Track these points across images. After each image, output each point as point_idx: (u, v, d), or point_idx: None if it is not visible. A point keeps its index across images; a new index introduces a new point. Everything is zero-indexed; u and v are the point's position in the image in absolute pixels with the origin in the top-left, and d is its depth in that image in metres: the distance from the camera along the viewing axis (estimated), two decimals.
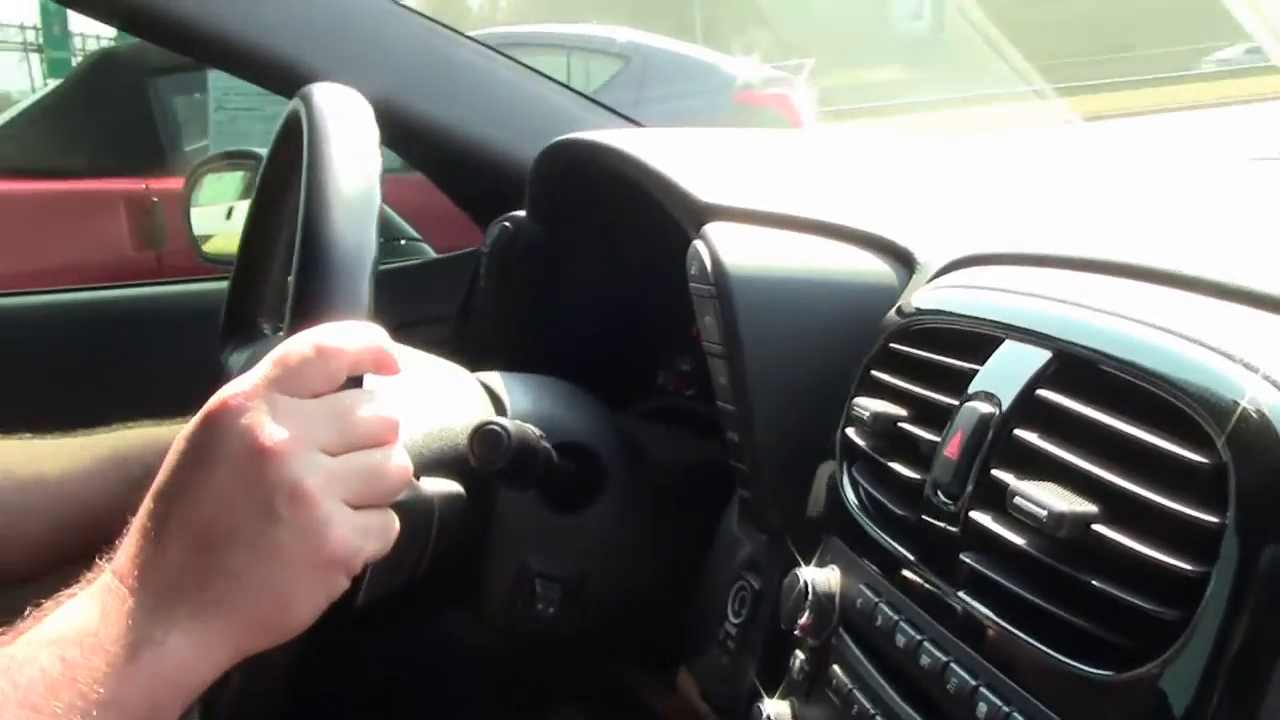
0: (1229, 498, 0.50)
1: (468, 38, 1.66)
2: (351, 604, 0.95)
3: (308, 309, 0.79)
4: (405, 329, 1.52)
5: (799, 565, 0.81)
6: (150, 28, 1.52)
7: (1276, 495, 0.49)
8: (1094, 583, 0.55)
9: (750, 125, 6.28)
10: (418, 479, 0.97)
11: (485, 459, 0.95)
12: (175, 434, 1.13)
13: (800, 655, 0.81)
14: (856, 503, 0.80)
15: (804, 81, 7.16)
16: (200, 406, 0.75)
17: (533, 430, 0.99)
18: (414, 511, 0.96)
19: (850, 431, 0.82)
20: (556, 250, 1.42)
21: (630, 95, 6.35)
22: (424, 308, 1.69)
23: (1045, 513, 0.57)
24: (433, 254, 1.97)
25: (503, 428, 0.95)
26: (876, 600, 0.72)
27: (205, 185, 2.08)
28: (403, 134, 1.58)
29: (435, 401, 1.08)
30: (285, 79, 1.49)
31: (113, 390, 1.44)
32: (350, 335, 0.75)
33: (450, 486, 1.00)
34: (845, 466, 0.83)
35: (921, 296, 0.83)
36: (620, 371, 1.39)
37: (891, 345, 0.82)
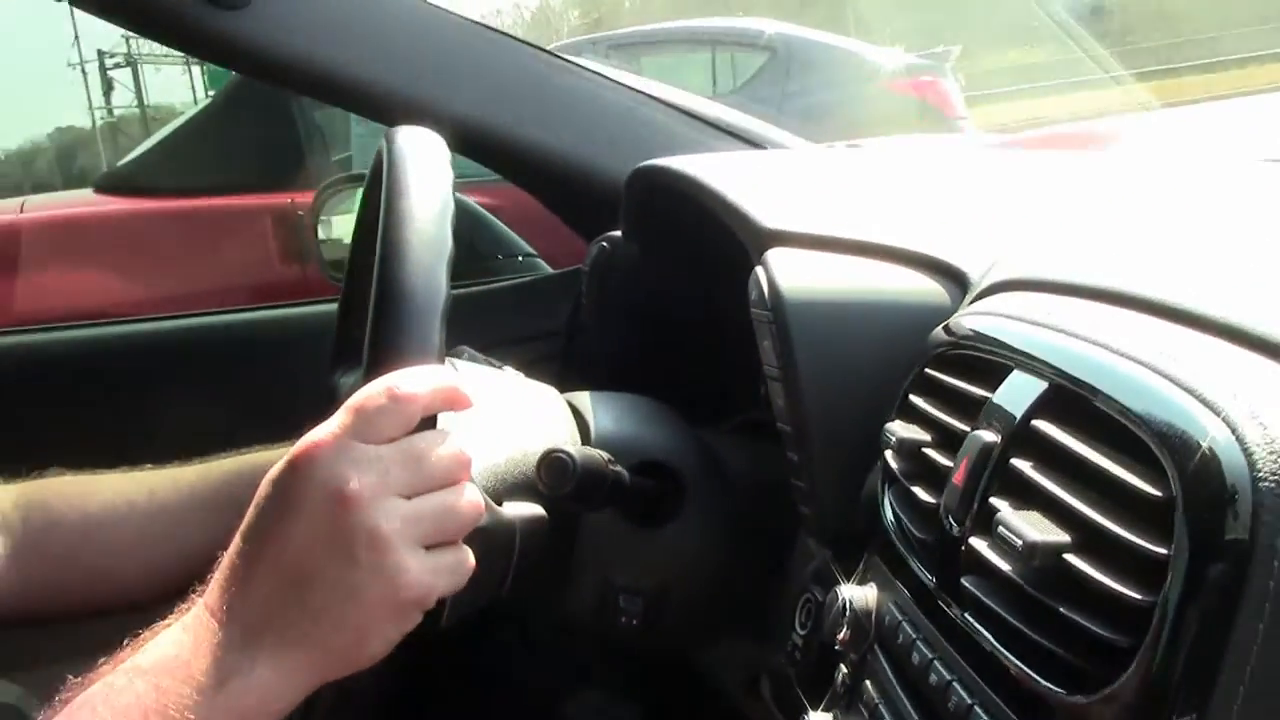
0: (1174, 530, 0.54)
1: (569, 61, 1.72)
2: (436, 625, 1.02)
3: (382, 355, 0.86)
4: (514, 345, 1.61)
5: (840, 582, 0.86)
6: (260, 67, 1.61)
7: (1219, 529, 0.52)
8: (1059, 608, 0.58)
9: (899, 114, 6.26)
10: (499, 503, 1.03)
11: (552, 485, 1.01)
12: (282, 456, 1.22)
13: (843, 669, 0.85)
14: (893, 523, 0.84)
15: (951, 68, 7.10)
16: (306, 429, 0.83)
17: (600, 455, 1.04)
18: (495, 535, 1.02)
19: (888, 455, 0.86)
20: (651, 269, 1.47)
21: (776, 88, 6.38)
22: (534, 323, 1.76)
23: (1021, 542, 0.60)
24: (547, 269, 2.05)
25: (568, 455, 1.00)
26: (901, 619, 0.76)
27: (333, 203, 2.19)
28: (505, 156, 1.66)
29: (519, 426, 1.14)
30: (386, 109, 1.58)
31: (229, 414, 1.54)
32: (422, 380, 0.82)
33: (531, 509, 1.06)
34: (884, 487, 0.87)
35: (958, 321, 0.87)
36: (715, 386, 1.44)
37: (925, 370, 0.86)
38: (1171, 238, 0.87)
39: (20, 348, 1.71)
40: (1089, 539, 0.59)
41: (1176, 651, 0.52)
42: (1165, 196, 1.04)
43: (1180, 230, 0.89)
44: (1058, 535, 0.60)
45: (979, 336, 0.81)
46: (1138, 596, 0.54)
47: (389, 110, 1.60)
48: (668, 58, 8.20)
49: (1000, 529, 0.62)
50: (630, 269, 1.51)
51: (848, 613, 0.82)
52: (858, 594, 0.83)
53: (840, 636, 0.83)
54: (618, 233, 1.53)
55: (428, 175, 0.96)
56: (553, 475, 1.01)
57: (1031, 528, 0.61)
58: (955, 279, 0.99)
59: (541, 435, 1.13)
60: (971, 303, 0.90)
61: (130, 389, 1.63)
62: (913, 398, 0.86)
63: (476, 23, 1.65)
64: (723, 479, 1.19)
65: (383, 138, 1.03)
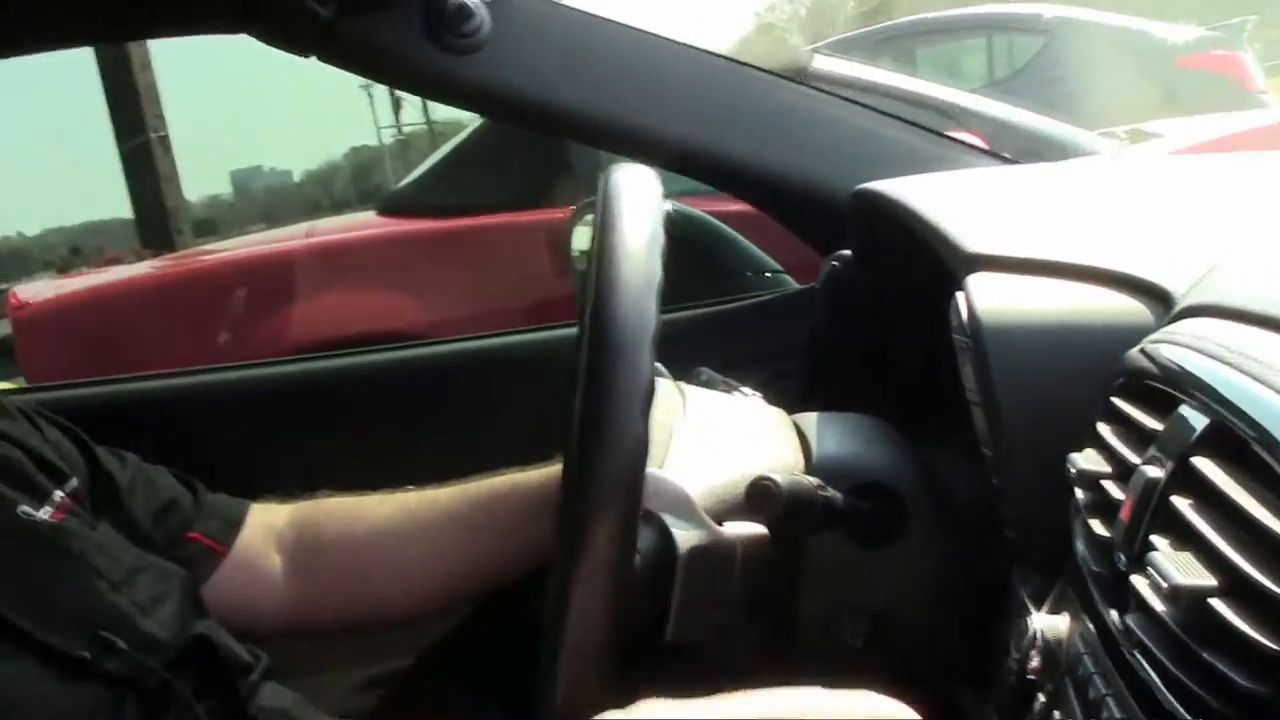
0: None
1: (793, 80, 1.75)
2: (658, 643, 1.07)
3: (592, 383, 0.92)
4: (756, 363, 1.65)
5: (1032, 611, 0.86)
6: (493, 107, 1.71)
7: None
8: (1203, 654, 0.59)
9: (1192, 90, 6.00)
10: (720, 524, 1.08)
11: (759, 512, 1.05)
12: (537, 478, 1.30)
13: (1040, 698, 0.86)
14: (1083, 553, 0.84)
15: (1246, 39, 6.77)
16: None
17: (809, 482, 1.07)
18: (716, 555, 1.07)
19: (1075, 486, 0.87)
20: (877, 287, 1.49)
21: (1056, 72, 6.22)
22: (776, 340, 1.79)
23: (1166, 584, 0.61)
24: (793, 285, 2.07)
25: (774, 483, 1.04)
26: (1083, 652, 0.77)
27: (587, 221, 2.26)
28: (735, 178, 1.70)
29: (743, 449, 1.19)
30: (614, 140, 1.65)
31: (484, 436, 1.63)
32: None
33: (752, 529, 1.11)
34: (1075, 517, 0.87)
35: (1144, 347, 0.86)
36: (942, 404, 1.45)
37: (1111, 398, 0.86)
38: None
39: (297, 375, 1.85)
40: (1236, 584, 0.59)
41: None
42: None
43: None
44: (1204, 579, 0.60)
45: (1157, 364, 0.80)
46: (1270, 644, 0.55)
47: (617, 140, 1.66)
48: (942, 46, 8.09)
49: (1149, 569, 0.63)
50: (860, 287, 1.53)
51: (1039, 642, 0.83)
52: (1049, 624, 0.84)
53: (1033, 666, 0.84)
54: (848, 251, 1.55)
55: (637, 210, 1.02)
56: (759, 502, 1.04)
57: (1178, 570, 0.61)
58: (1159, 297, 0.98)
59: (764, 458, 1.17)
60: (1167, 324, 0.89)
61: (392, 413, 1.75)
62: (1099, 425, 0.86)
63: (699, 49, 1.70)
64: (946, 500, 1.20)
65: (601, 175, 1.09)
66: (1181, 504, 0.66)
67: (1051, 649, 0.83)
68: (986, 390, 0.98)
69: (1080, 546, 0.84)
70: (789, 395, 1.39)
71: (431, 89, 1.77)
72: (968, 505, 1.21)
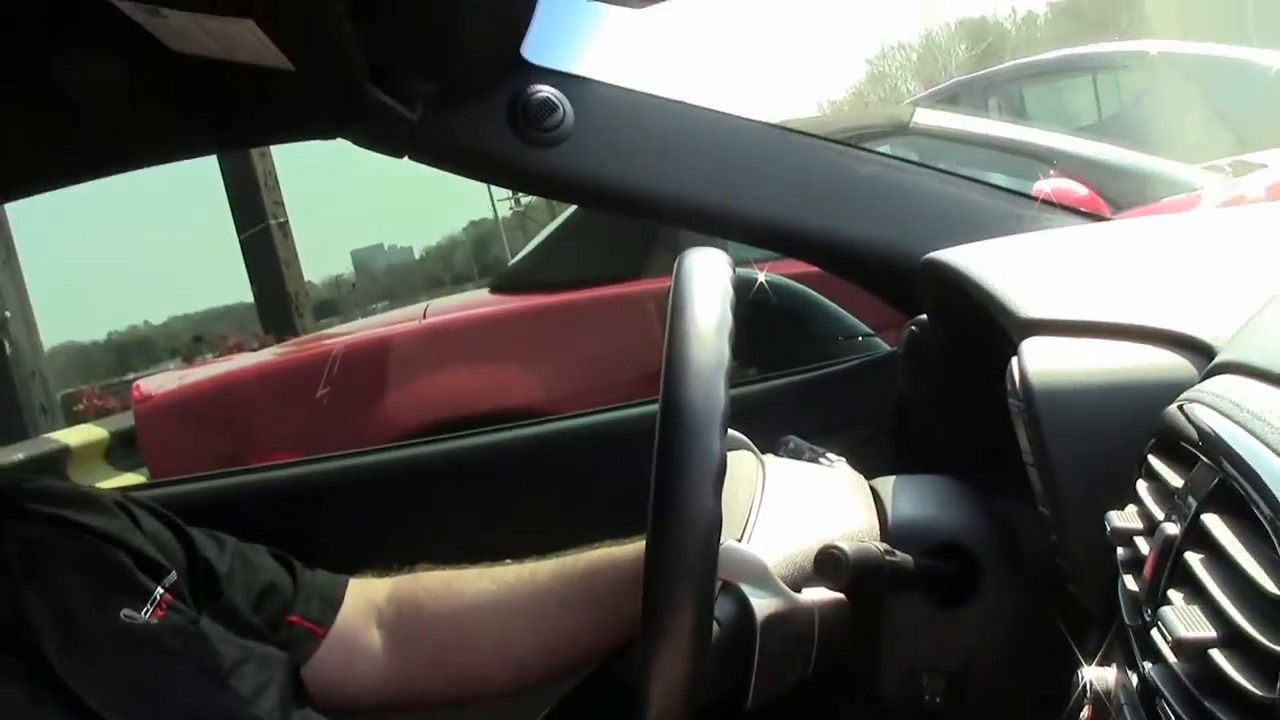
0: None
1: (865, 149, 1.81)
2: (740, 707, 1.12)
3: (665, 465, 0.98)
4: (845, 428, 1.69)
5: (1083, 664, 0.90)
6: (580, 196, 1.79)
7: None
8: (1204, 702, 0.63)
9: None
10: (798, 590, 1.13)
11: (828, 579, 1.10)
12: (632, 552, 1.35)
13: None
14: (1125, 605, 0.88)
15: None
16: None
17: (876, 548, 1.12)
18: (794, 622, 1.12)
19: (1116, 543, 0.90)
20: (954, 350, 1.53)
21: (1163, 105, 6.19)
22: (866, 405, 1.84)
23: (1171, 638, 0.65)
24: (884, 347, 2.12)
25: (841, 551, 1.09)
26: (1124, 702, 0.80)
27: None
28: (815, 249, 1.76)
29: (820, 516, 1.24)
30: (698, 219, 1.72)
31: (573, 514, 1.69)
32: None
33: (829, 595, 1.15)
34: (1119, 574, 0.90)
35: (1183, 404, 0.89)
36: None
37: (1148, 456, 0.89)
38: None
39: (399, 461, 1.93)
40: (1234, 637, 0.63)
41: None
42: None
43: None
44: (1204, 631, 0.64)
45: (1185, 421, 0.84)
46: (1258, 693, 0.58)
47: (700, 220, 1.73)
48: (1048, 87, 8.07)
49: (1158, 623, 0.67)
50: (936, 350, 1.57)
51: (1089, 694, 0.87)
52: (1098, 675, 0.87)
53: (1084, 717, 0.87)
54: (925, 316, 1.59)
55: (707, 293, 1.07)
56: (827, 570, 1.09)
57: (1182, 624, 0.65)
58: (1201, 351, 1.01)
59: (839, 525, 1.21)
60: (1202, 380, 0.93)
61: (489, 493, 1.82)
62: (1139, 483, 0.90)
63: (774, 125, 1.77)
64: (1020, 557, 1.23)
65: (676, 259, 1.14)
66: (1193, 559, 0.70)
67: (1101, 700, 0.86)
68: (1040, 451, 1.02)
69: (1121, 600, 0.88)
70: (877, 459, 1.43)
71: (519, 182, 1.86)
72: (1040, 560, 1.24)
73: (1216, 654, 0.63)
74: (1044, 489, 1.04)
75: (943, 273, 1.35)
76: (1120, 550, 0.88)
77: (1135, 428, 0.98)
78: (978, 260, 1.28)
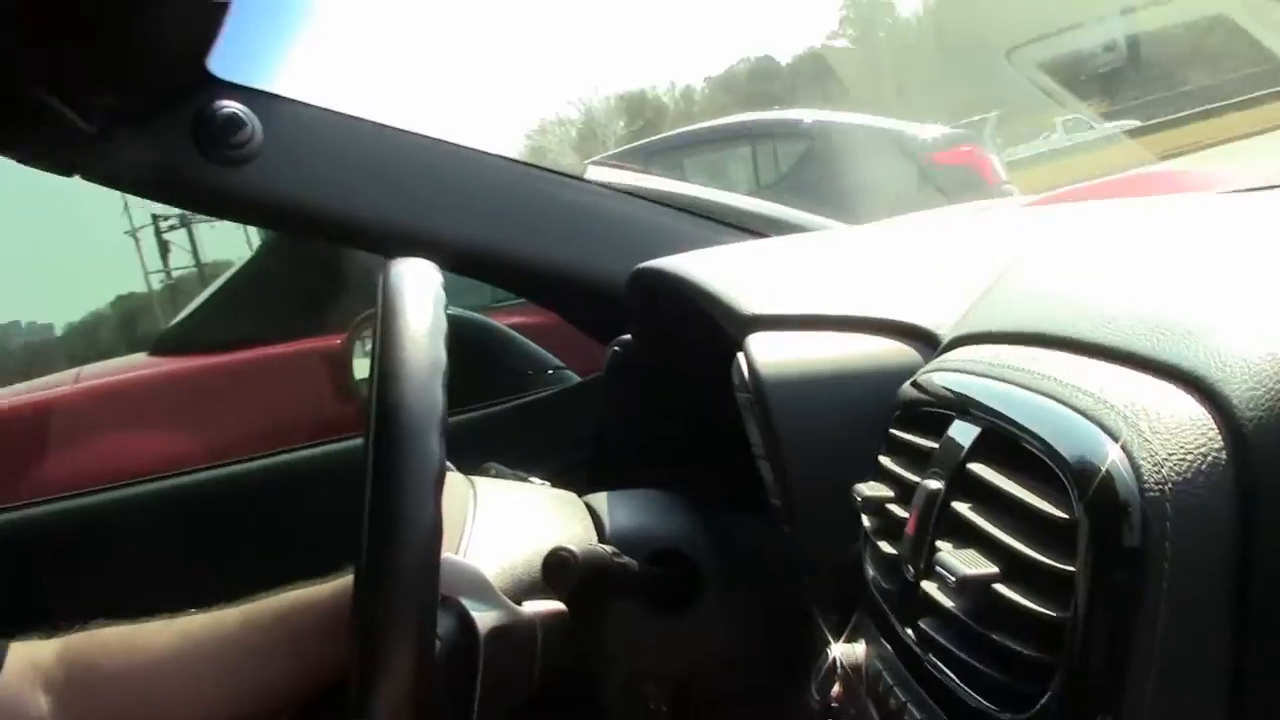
0: (1078, 548, 0.58)
1: (566, 175, 1.80)
2: None
3: (382, 468, 0.91)
4: (545, 457, 1.66)
5: (830, 642, 0.89)
6: (267, 217, 1.70)
7: (1116, 542, 0.56)
8: (992, 635, 0.62)
9: (941, 184, 6.31)
10: (519, 603, 1.08)
11: (557, 583, 1.06)
12: (329, 592, 1.25)
13: None
14: (874, 578, 0.87)
15: (989, 135, 7.15)
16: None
17: (603, 550, 1.09)
18: (516, 635, 1.07)
19: (863, 515, 0.90)
20: (663, 366, 1.53)
21: (819, 172, 6.47)
22: (565, 433, 1.81)
23: (954, 578, 0.64)
24: (575, 379, 2.11)
25: (570, 553, 1.05)
26: (882, 669, 0.80)
27: (366, 337, 2.26)
28: (512, 274, 1.73)
29: (536, 527, 1.20)
30: (391, 243, 1.66)
31: (269, 553, 1.60)
32: None
33: (550, 606, 1.11)
34: (864, 548, 0.90)
35: (918, 380, 0.91)
36: (738, 471, 1.49)
37: (890, 430, 0.90)
38: (1116, 276, 0.91)
39: (80, 510, 1.78)
40: (1015, 569, 0.63)
41: (1088, 660, 0.56)
42: (1134, 236, 1.08)
43: (1130, 266, 0.92)
44: (986, 568, 0.64)
45: (928, 392, 0.85)
46: (1051, 614, 0.58)
47: (396, 243, 1.67)
48: (709, 156, 8.33)
49: (937, 568, 0.66)
50: (646, 369, 1.56)
51: (839, 670, 0.86)
52: (847, 651, 0.86)
53: (834, 693, 0.86)
54: (628, 336, 1.59)
55: (420, 299, 1.02)
56: (556, 573, 1.05)
57: (962, 564, 0.65)
58: (926, 340, 1.03)
59: (556, 535, 1.18)
60: (936, 358, 0.94)
61: (177, 537, 1.70)
62: (881, 459, 0.90)
63: (473, 148, 1.73)
64: (741, 561, 1.23)
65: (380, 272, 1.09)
66: (961, 508, 0.70)
67: (850, 675, 0.85)
68: (771, 441, 1.02)
69: (871, 571, 0.88)
70: (579, 484, 1.40)
71: (203, 202, 1.75)
72: (765, 565, 1.24)
73: (1001, 588, 0.62)
74: (775, 479, 1.03)
75: (657, 280, 1.34)
76: (869, 520, 0.88)
77: (866, 411, 1.00)
78: (695, 264, 1.28)
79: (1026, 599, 0.60)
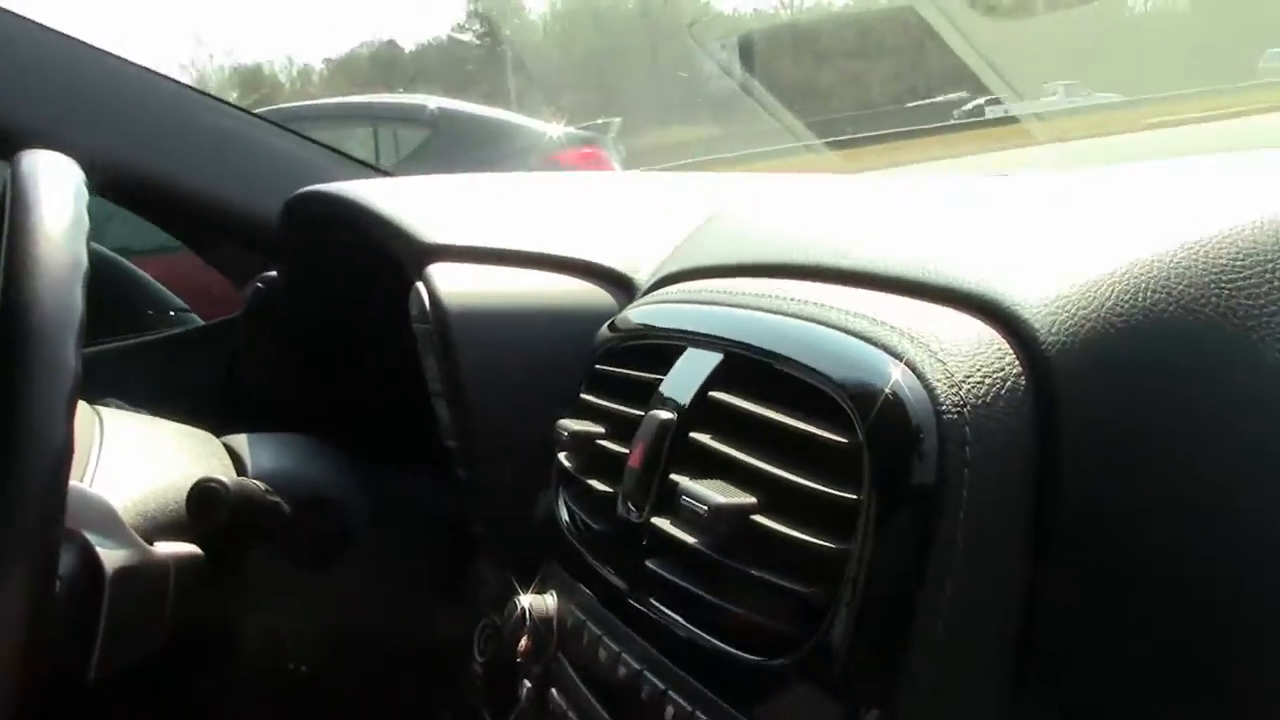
0: (863, 475, 0.51)
1: (218, 100, 1.63)
2: (84, 679, 0.91)
3: (8, 375, 0.75)
4: (168, 400, 1.48)
5: (518, 593, 0.80)
6: None
7: (906, 468, 0.49)
8: (751, 571, 0.55)
9: None
10: (151, 543, 0.93)
11: (204, 517, 0.92)
12: None
13: (527, 684, 0.79)
14: (569, 523, 0.79)
15: (612, 139, 7.21)
16: None
17: (256, 485, 0.96)
18: (147, 578, 0.92)
19: (561, 455, 0.82)
20: (312, 307, 1.39)
21: (438, 162, 6.32)
22: (188, 377, 1.64)
23: (705, 508, 0.56)
24: (200, 322, 1.92)
25: (220, 484, 0.92)
26: (584, 619, 0.71)
27: None
28: (147, 196, 1.54)
29: (172, 463, 1.05)
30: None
31: None
32: None
33: (185, 548, 0.97)
34: (559, 490, 0.82)
35: (625, 315, 0.83)
36: (393, 419, 1.37)
37: (596, 367, 0.82)
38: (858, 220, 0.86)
39: None
40: (775, 498, 0.56)
41: (871, 597, 0.49)
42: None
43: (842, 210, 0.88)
44: (743, 497, 0.56)
45: (648, 325, 0.77)
46: (830, 545, 0.51)
47: (15, 147, 1.46)
48: (328, 133, 8.03)
49: (683, 500, 0.58)
50: (292, 307, 1.42)
51: (527, 622, 0.77)
52: (536, 603, 0.77)
53: (521, 648, 0.77)
54: (274, 273, 1.44)
55: (58, 191, 0.86)
56: (204, 505, 0.92)
57: (715, 493, 0.57)
58: (620, 284, 0.96)
59: (193, 473, 1.03)
60: (646, 294, 0.87)
61: None
62: (586, 396, 0.82)
63: (112, 54, 1.53)
64: (395, 514, 1.12)
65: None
66: (702, 438, 0.62)
67: (539, 628, 0.76)
68: (451, 376, 0.92)
69: (566, 516, 0.79)
70: (209, 428, 1.25)
71: None
72: (421, 519, 1.14)
73: (763, 519, 0.55)
74: (454, 418, 0.93)
75: (324, 206, 1.21)
76: (571, 459, 0.79)
77: (558, 349, 0.92)
78: (371, 190, 1.15)
79: (795, 530, 0.53)
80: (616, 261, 0.97)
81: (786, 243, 0.74)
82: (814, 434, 0.54)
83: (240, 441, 1.14)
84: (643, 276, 0.95)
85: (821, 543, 0.51)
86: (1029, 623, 0.48)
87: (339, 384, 1.37)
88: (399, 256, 1.05)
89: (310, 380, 1.40)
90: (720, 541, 0.57)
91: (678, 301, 0.76)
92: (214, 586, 1.00)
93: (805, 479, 0.54)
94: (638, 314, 0.80)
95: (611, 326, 0.83)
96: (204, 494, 0.92)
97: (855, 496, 0.51)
